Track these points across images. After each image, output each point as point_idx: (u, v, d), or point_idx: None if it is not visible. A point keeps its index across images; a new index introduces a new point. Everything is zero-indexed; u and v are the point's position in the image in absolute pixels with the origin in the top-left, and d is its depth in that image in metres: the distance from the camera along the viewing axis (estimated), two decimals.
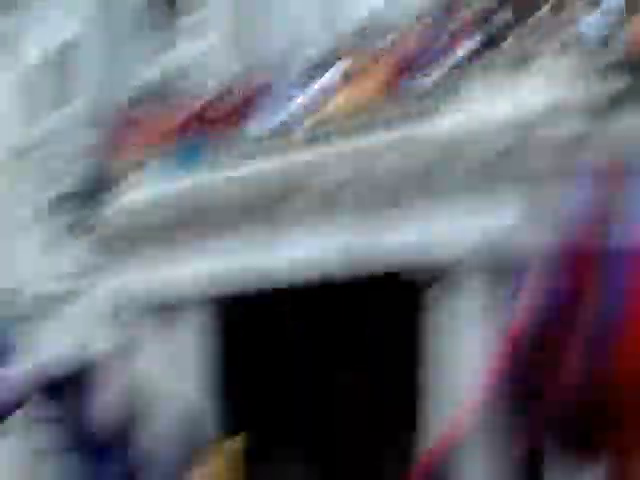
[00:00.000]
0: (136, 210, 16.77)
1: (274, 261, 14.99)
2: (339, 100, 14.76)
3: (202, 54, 20.60)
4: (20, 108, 24.95)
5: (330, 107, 14.80)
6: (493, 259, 12.07)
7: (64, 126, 23.56)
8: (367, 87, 14.42)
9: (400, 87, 14.12)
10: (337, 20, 17.96)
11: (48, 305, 20.75)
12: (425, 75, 13.96)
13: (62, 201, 21.76)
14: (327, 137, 14.64)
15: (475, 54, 13.55)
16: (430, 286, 13.22)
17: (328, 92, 15.02)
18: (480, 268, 12.62)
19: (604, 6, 12.56)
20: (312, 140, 14.86)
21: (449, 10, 14.87)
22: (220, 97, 16.65)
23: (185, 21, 22.62)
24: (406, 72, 14.22)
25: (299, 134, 15.09)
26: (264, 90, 16.23)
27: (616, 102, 11.40)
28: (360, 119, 14.26)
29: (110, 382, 14.02)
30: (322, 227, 14.44)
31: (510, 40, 13.19)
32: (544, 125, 12.08)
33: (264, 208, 15.09)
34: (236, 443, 15.03)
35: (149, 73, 21.36)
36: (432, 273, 13.15)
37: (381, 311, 14.96)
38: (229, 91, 16.69)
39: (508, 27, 13.42)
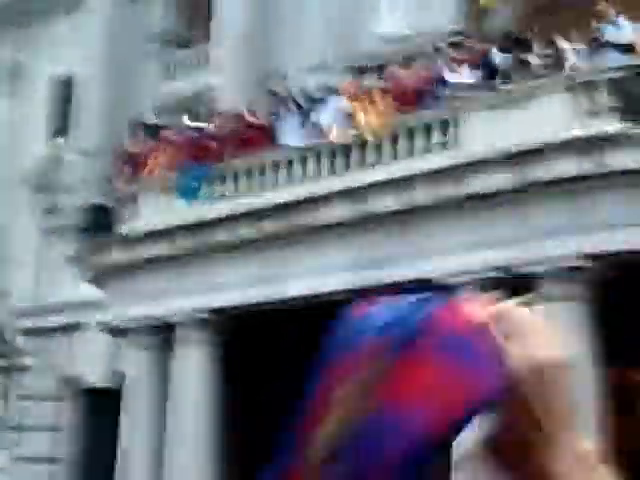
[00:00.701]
0: (135, 241, 16.79)
1: (276, 291, 15.02)
2: (339, 134, 14.82)
3: (204, 86, 20.75)
4: (24, 136, 25.07)
5: (331, 139, 14.86)
6: None
7: (65, 157, 23.67)
8: (368, 122, 14.50)
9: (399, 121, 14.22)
10: (344, 50, 18.17)
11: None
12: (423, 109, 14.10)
13: (62, 232, 21.81)
14: (329, 171, 14.77)
15: (473, 90, 13.64)
16: None
17: (329, 126, 15.08)
18: None
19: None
20: (313, 174, 14.97)
21: (452, 45, 15.01)
22: (221, 128, 16.70)
23: (186, 54, 22.82)
24: (406, 106, 14.33)
25: (299, 168, 15.21)
26: (266, 122, 16.31)
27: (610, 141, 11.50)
28: (358, 154, 14.46)
29: None
30: (323, 256, 14.50)
31: (507, 79, 13.30)
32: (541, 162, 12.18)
33: (262, 240, 15.18)
34: None
35: (151, 104, 21.48)
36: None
37: None
38: (230, 122, 16.74)
39: (506, 66, 13.53)
